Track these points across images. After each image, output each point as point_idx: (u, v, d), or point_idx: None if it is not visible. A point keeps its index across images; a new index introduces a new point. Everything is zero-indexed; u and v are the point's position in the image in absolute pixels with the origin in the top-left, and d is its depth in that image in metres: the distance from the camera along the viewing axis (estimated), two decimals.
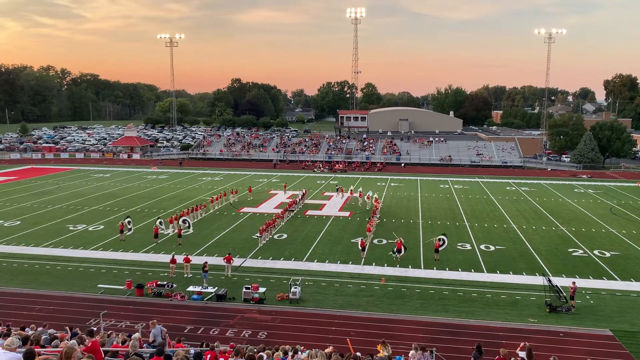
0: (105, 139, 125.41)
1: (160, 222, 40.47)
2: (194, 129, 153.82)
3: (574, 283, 27.45)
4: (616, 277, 31.51)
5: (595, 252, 36.75)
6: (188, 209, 45.95)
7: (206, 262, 30.48)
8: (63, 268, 32.71)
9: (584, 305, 27.06)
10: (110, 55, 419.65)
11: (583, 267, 33.28)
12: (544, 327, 24.52)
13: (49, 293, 28.48)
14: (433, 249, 35.23)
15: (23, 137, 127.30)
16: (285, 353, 15.87)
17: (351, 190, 57.52)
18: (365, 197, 53.80)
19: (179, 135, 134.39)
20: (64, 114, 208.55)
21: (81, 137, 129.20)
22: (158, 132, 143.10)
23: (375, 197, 52.00)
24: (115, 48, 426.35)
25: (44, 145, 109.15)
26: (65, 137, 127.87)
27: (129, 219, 41.10)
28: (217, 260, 33.03)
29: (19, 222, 44.27)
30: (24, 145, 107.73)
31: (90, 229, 42.37)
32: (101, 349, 13.24)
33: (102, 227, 42.87)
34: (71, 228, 42.43)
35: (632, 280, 30.87)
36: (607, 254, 36.17)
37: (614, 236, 41.27)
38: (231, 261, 31.31)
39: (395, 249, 35.07)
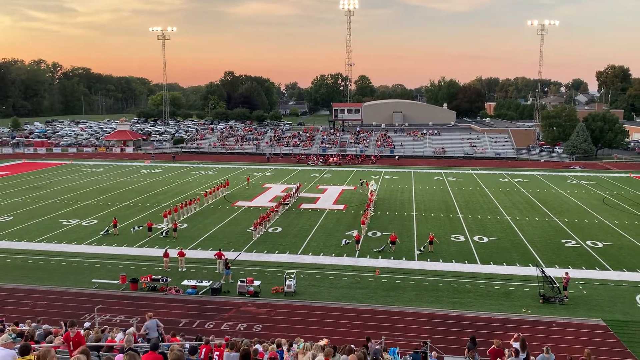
0: (98, 133, 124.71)
1: (137, 227, 40.16)
2: (186, 123, 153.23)
3: (567, 274, 27.67)
4: (608, 267, 31.75)
5: (588, 242, 37.00)
6: (182, 203, 45.86)
7: (227, 258, 30.56)
8: (57, 263, 32.61)
9: (577, 296, 27.28)
10: (102, 48, 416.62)
11: (576, 258, 33.51)
12: (537, 317, 24.72)
13: (42, 288, 28.42)
14: (427, 241, 35.39)
15: (15, 131, 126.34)
16: (279, 346, 15.93)
17: (367, 182, 57.30)
18: (365, 183, 54.76)
19: (172, 128, 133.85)
20: (55, 108, 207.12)
21: (73, 131, 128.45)
22: (151, 126, 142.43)
23: (371, 191, 51.97)
24: (106, 41, 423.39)
25: (36, 139, 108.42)
26: (58, 132, 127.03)
27: (135, 228, 40.47)
28: (212, 254, 32.97)
29: (11, 217, 44.03)
30: (16, 140, 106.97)
31: (83, 223, 42.21)
32: (96, 344, 13.25)
33: (95, 221, 42.71)
34: (64, 223, 42.27)
35: (624, 270, 31.12)
36: (600, 245, 36.43)
37: (607, 227, 41.55)
38: (222, 257, 31.23)
39: (389, 241, 35.29)
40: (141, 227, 40.34)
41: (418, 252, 34.63)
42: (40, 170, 72.36)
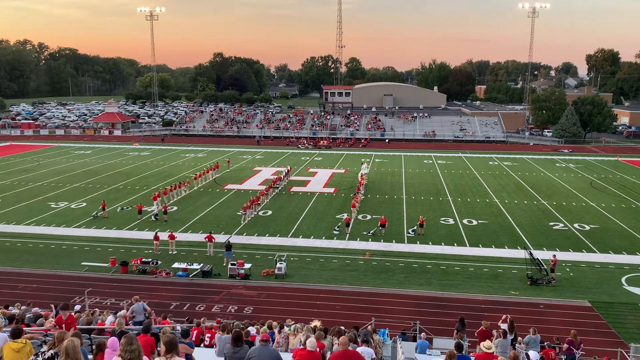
0: (86, 115, 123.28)
1: (125, 208, 40.41)
2: (175, 105, 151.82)
3: (554, 256, 28.04)
4: (595, 249, 32.19)
5: (575, 225, 37.42)
6: (171, 186, 45.68)
7: (228, 240, 30.55)
8: (46, 246, 32.45)
9: (564, 278, 27.67)
10: (89, 29, 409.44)
11: (563, 240, 33.91)
12: (525, 299, 25.07)
13: (32, 271, 28.31)
14: (418, 223, 35.64)
15: (1, 113, 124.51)
16: (270, 327, 16.02)
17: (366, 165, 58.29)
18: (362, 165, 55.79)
19: (161, 111, 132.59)
20: (42, 89, 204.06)
21: (61, 113, 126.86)
22: (139, 108, 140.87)
23: (362, 174, 51.94)
24: (94, 22, 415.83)
25: (22, 121, 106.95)
26: (45, 114, 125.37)
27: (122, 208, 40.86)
28: (202, 237, 32.95)
29: None
30: (2, 122, 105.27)
31: (72, 206, 41.94)
32: (87, 326, 13.26)
33: (84, 204, 42.46)
34: (53, 206, 41.97)
35: (610, 253, 31.58)
36: (587, 227, 36.87)
37: (594, 210, 42.02)
38: (212, 240, 31.25)
39: (379, 224, 35.50)
40: (129, 208, 40.25)
41: (408, 235, 34.87)
42: (27, 152, 71.57)
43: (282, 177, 51.60)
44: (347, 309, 23.81)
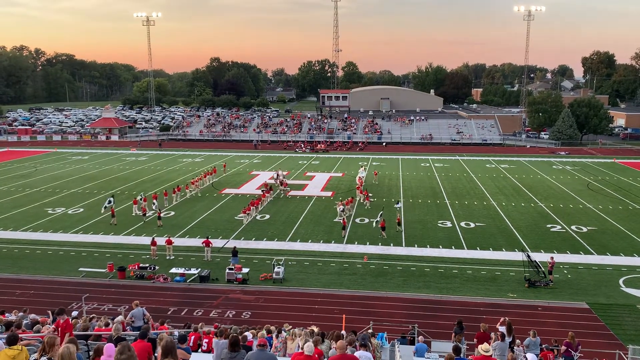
0: (83, 120, 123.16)
1: (109, 202, 40.15)
2: (172, 110, 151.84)
3: (552, 258, 28.06)
4: (593, 251, 32.23)
5: (573, 227, 37.46)
6: (165, 191, 45.66)
7: (235, 247, 30.53)
8: (43, 252, 32.36)
9: (562, 280, 27.68)
10: (86, 34, 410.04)
11: (561, 243, 33.94)
12: (523, 301, 25.07)
13: (29, 277, 28.22)
14: (396, 221, 35.68)
15: None
16: (269, 332, 15.98)
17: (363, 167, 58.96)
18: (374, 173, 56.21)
19: (158, 116, 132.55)
20: (39, 95, 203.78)
21: (58, 118, 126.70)
22: (136, 113, 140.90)
23: (359, 177, 52.00)
24: (91, 27, 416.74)
25: (19, 127, 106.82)
26: (42, 119, 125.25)
27: (110, 200, 40.62)
28: (200, 242, 32.88)
29: None
30: None
31: (69, 212, 41.85)
32: (84, 332, 13.21)
33: (81, 210, 42.37)
34: (50, 211, 41.87)
35: (607, 255, 31.61)
36: (584, 229, 36.91)
37: (591, 211, 42.07)
38: (210, 244, 31.19)
39: (380, 227, 35.51)
40: (111, 203, 40.00)
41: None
42: (24, 158, 71.43)
43: (284, 181, 50.94)
44: (345, 313, 23.75)
